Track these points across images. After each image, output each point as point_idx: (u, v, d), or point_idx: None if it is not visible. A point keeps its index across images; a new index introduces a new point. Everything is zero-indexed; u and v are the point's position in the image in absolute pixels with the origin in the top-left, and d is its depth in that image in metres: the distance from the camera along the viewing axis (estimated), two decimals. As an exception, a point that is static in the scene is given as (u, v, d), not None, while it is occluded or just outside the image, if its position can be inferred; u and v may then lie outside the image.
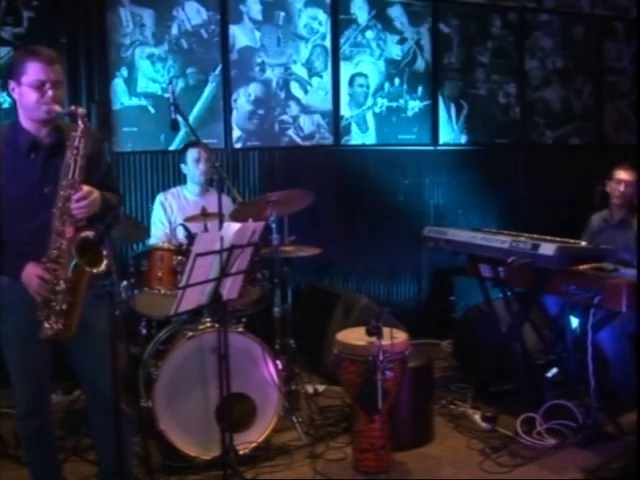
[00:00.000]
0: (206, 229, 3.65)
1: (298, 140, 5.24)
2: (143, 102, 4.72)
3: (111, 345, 2.39)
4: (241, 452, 3.33)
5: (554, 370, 3.97)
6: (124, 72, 4.65)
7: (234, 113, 5.01)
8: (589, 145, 6.44)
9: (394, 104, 5.57)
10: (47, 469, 2.76)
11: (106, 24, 4.57)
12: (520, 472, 3.31)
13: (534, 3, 6.08)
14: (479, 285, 4.17)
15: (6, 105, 4.23)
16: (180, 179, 4.45)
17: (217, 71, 4.92)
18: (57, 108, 2.46)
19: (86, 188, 2.45)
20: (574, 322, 3.90)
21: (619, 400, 3.80)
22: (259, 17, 5.05)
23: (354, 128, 5.44)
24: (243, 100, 5.04)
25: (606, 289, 3.41)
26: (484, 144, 5.96)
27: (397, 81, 5.57)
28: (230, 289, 2.95)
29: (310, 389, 4.24)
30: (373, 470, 3.32)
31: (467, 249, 4.01)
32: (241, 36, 5.00)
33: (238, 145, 5.04)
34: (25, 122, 2.54)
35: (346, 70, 5.37)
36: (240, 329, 3.46)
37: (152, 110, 4.74)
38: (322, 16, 5.25)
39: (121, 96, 4.66)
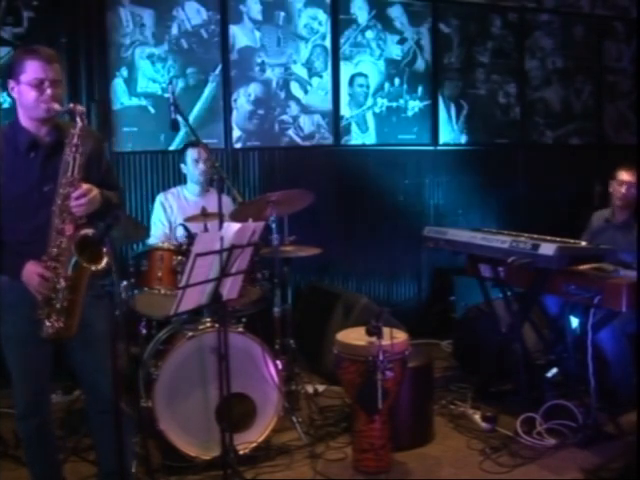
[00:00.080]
0: (206, 229, 3.65)
1: (298, 140, 5.24)
2: (143, 102, 4.72)
3: (111, 345, 2.39)
4: (241, 452, 3.33)
5: (554, 370, 3.97)
6: (124, 72, 4.65)
7: (234, 113, 5.01)
8: (589, 145, 6.44)
9: (394, 104, 5.57)
10: (47, 469, 2.76)
11: (106, 24, 4.57)
12: (520, 472, 3.31)
13: (534, 3, 6.08)
14: (479, 285, 4.17)
15: (6, 105, 4.23)
16: (180, 179, 4.45)
17: (217, 71, 4.92)
18: (56, 106, 2.46)
19: (85, 186, 2.45)
20: (574, 322, 3.89)
21: (619, 400, 3.80)
22: (259, 17, 5.05)
23: (354, 128, 5.44)
24: (243, 100, 5.04)
25: (606, 289, 3.41)
26: (484, 144, 5.96)
27: (397, 81, 5.57)
28: (230, 289, 2.95)
29: (310, 389, 4.24)
30: (373, 470, 3.32)
31: (467, 249, 4.01)
32: (241, 36, 5.00)
33: (238, 145, 5.04)
34: (24, 121, 2.54)
35: (346, 70, 5.37)
36: (240, 329, 3.46)
37: (152, 110, 4.74)
38: (322, 16, 5.25)
39: (121, 96, 4.66)
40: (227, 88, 4.96)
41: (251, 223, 2.92)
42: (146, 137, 4.73)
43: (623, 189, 4.19)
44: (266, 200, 3.79)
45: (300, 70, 5.21)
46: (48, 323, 2.45)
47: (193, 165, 4.08)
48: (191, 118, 4.73)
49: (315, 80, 5.27)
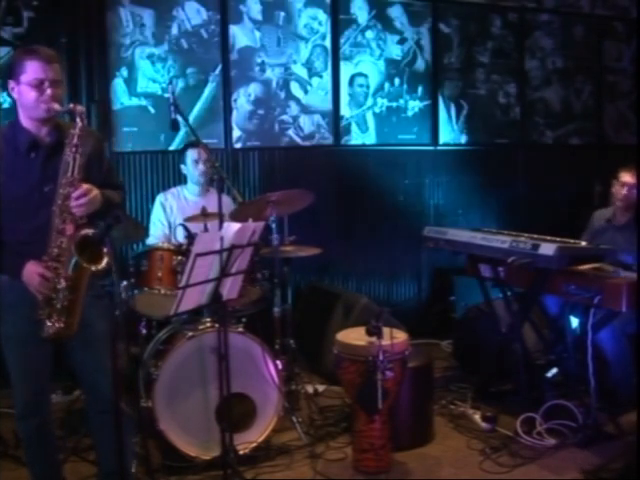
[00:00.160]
0: (206, 229, 3.65)
1: (298, 140, 5.24)
2: (143, 102, 4.72)
3: (111, 345, 2.39)
4: (241, 452, 3.33)
5: (554, 370, 3.97)
6: (124, 72, 4.65)
7: (234, 113, 5.01)
8: (589, 145, 6.44)
9: (394, 104, 5.57)
10: (47, 469, 2.76)
11: (106, 24, 4.57)
12: (520, 472, 3.31)
13: (534, 3, 6.08)
14: (479, 285, 4.17)
15: (6, 105, 4.23)
16: (180, 179, 4.45)
17: (217, 71, 4.92)
18: (56, 106, 2.46)
19: (85, 186, 2.45)
20: (574, 322, 3.89)
21: (619, 400, 3.80)
22: (259, 17, 5.05)
23: (354, 128, 5.44)
24: (243, 100, 5.04)
25: (606, 289, 3.41)
26: (484, 144, 5.96)
27: (397, 81, 5.57)
28: (230, 289, 2.95)
29: (310, 389, 4.24)
30: (373, 470, 3.32)
31: (467, 249, 4.01)
32: (241, 36, 5.00)
33: (238, 145, 5.04)
34: (25, 121, 2.54)
35: (346, 70, 5.37)
36: (240, 329, 3.46)
37: (152, 110, 4.74)
38: (322, 16, 5.25)
39: (121, 96, 4.66)
40: (227, 88, 4.96)
41: (251, 223, 2.92)
42: (146, 137, 4.73)
43: (625, 190, 4.14)
44: (266, 200, 3.79)
45: (300, 70, 5.21)
46: (49, 323, 2.45)
47: (193, 166, 4.08)
48: (191, 118, 4.73)
49: (315, 80, 5.27)
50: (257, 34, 5.05)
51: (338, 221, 5.39)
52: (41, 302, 2.46)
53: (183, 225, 3.65)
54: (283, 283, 4.06)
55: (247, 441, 3.39)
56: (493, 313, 4.17)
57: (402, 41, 5.57)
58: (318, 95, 5.29)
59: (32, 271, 2.45)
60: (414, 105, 5.64)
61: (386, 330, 3.20)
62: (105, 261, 2.37)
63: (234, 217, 3.66)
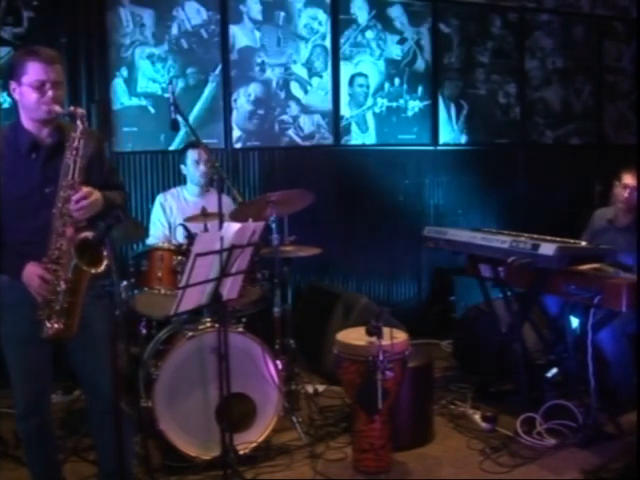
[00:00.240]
0: (206, 229, 3.65)
1: (298, 140, 5.24)
2: (143, 102, 4.72)
3: (111, 345, 2.39)
4: (241, 452, 3.33)
5: (554, 370, 3.97)
6: (124, 72, 4.65)
7: (234, 113, 5.01)
8: (589, 145, 6.44)
9: (394, 104, 5.57)
10: (47, 469, 2.76)
11: (106, 24, 4.57)
12: (520, 472, 3.31)
13: (534, 3, 6.08)
14: (479, 285, 4.17)
15: (6, 105, 4.23)
16: (180, 179, 4.45)
17: (217, 71, 4.92)
18: (57, 108, 2.45)
19: (86, 189, 2.45)
20: (574, 322, 3.89)
21: (619, 400, 3.80)
22: (259, 17, 5.05)
23: (354, 128, 5.44)
24: (243, 100, 5.04)
25: (606, 289, 3.41)
26: (484, 144, 5.97)
27: (397, 81, 5.57)
28: (230, 289, 2.95)
29: (310, 389, 4.24)
30: (373, 470, 3.32)
31: (467, 249, 4.01)
32: (241, 36, 5.00)
33: (238, 145, 5.04)
34: (26, 122, 2.54)
35: (346, 70, 5.37)
36: (240, 329, 3.46)
37: (152, 110, 4.74)
38: (322, 16, 5.25)
39: (121, 96, 4.66)
40: (227, 88, 4.96)
41: (251, 223, 2.92)
42: (146, 137, 4.73)
43: (626, 193, 4.10)
44: (266, 200, 3.79)
45: (300, 70, 5.21)
46: (48, 324, 2.45)
47: (193, 166, 4.08)
48: (191, 118, 4.73)
49: (315, 80, 5.27)
50: (257, 34, 5.05)
51: (338, 221, 5.39)
52: (40, 303, 2.46)
53: (183, 225, 3.65)
54: (283, 283, 4.06)
55: (247, 441, 3.39)
56: (493, 313, 4.17)
57: (402, 41, 5.57)
58: (318, 95, 5.29)
59: (32, 273, 2.45)
60: (414, 105, 5.64)
61: (386, 330, 3.20)
62: (105, 263, 2.37)
63: (234, 217, 3.66)
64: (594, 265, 3.62)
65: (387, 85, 5.54)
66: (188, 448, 3.30)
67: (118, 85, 4.65)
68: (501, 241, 3.72)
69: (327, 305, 4.72)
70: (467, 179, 5.82)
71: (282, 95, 5.16)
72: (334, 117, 5.34)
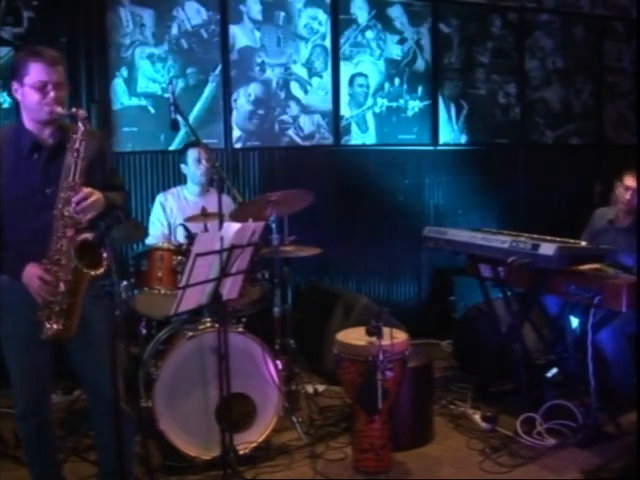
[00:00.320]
0: (206, 229, 3.65)
1: (298, 140, 5.24)
2: (143, 102, 4.72)
3: (111, 345, 2.39)
4: (241, 452, 3.33)
5: (554, 370, 3.96)
6: (124, 72, 4.65)
7: (234, 113, 5.01)
8: (589, 145, 6.44)
9: (394, 104, 5.57)
10: (47, 469, 2.76)
11: (106, 24, 4.57)
12: (520, 472, 3.31)
13: (534, 3, 6.08)
14: (479, 285, 4.17)
15: (6, 105, 4.23)
16: (180, 179, 4.45)
17: (217, 71, 4.92)
18: (59, 109, 2.45)
19: (86, 190, 2.45)
20: (574, 322, 3.89)
21: (619, 400, 3.80)
22: (259, 17, 5.05)
23: (354, 128, 5.44)
24: (243, 100, 5.04)
25: (606, 289, 3.41)
26: (484, 144, 5.97)
27: (397, 81, 5.57)
28: (230, 289, 2.95)
29: (310, 389, 4.24)
30: (373, 470, 3.32)
31: (467, 249, 4.01)
32: (241, 36, 5.00)
33: (238, 145, 5.04)
34: (28, 123, 2.54)
35: (346, 70, 5.37)
36: (240, 329, 3.46)
37: (152, 110, 4.74)
38: (322, 16, 5.25)
39: (121, 96, 4.66)
40: (227, 88, 4.96)
41: (251, 223, 2.92)
42: (146, 137, 4.73)
43: (628, 195, 4.09)
44: (266, 200, 3.79)
45: (300, 70, 5.21)
46: (48, 325, 2.45)
47: (195, 165, 4.07)
48: (191, 118, 4.73)
49: (315, 80, 5.27)
50: (257, 34, 5.05)
51: (338, 221, 5.39)
52: (40, 304, 2.46)
53: (183, 225, 3.65)
54: (283, 283, 4.05)
55: (247, 441, 3.39)
56: (493, 313, 4.17)
57: (402, 41, 5.57)
58: (318, 95, 5.29)
59: (32, 273, 2.45)
60: (414, 105, 5.64)
61: (386, 330, 3.20)
62: (104, 266, 2.36)
63: (234, 217, 3.66)
64: (594, 265, 3.62)
65: (387, 85, 5.54)
66: (188, 448, 3.30)
67: (118, 85, 4.65)
68: (501, 241, 3.72)
69: (327, 305, 4.72)
70: (467, 179, 5.82)
71: (282, 95, 5.16)
72: (334, 117, 5.34)
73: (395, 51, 5.55)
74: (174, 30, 4.79)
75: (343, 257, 5.38)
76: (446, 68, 5.75)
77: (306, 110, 5.25)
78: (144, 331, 3.72)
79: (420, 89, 5.65)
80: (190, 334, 3.34)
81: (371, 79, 5.47)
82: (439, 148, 5.76)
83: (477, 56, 5.88)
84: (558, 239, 3.70)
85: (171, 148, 4.78)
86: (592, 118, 6.44)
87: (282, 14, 5.12)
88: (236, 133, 5.02)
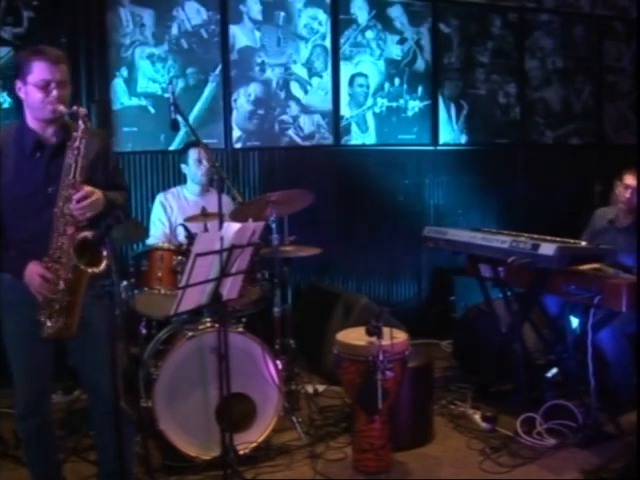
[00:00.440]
0: (206, 229, 3.65)
1: (298, 140, 5.24)
2: (143, 102, 4.72)
3: (111, 345, 2.39)
4: (241, 452, 3.33)
5: (554, 370, 3.96)
6: (124, 72, 4.65)
7: (234, 113, 5.01)
8: (589, 145, 6.44)
9: (394, 104, 5.57)
10: (47, 469, 2.76)
11: (106, 24, 4.57)
12: (520, 472, 3.31)
13: (534, 3, 6.08)
14: (479, 285, 4.17)
15: (6, 105, 4.23)
16: (180, 179, 4.45)
17: (217, 71, 4.92)
18: (61, 108, 2.45)
19: (87, 188, 2.45)
20: (574, 322, 3.89)
21: (619, 400, 3.80)
22: (259, 17, 5.05)
23: (354, 128, 5.44)
24: (243, 100, 5.04)
25: (606, 289, 3.41)
26: (484, 144, 5.97)
27: (397, 81, 5.57)
28: (230, 289, 2.95)
29: (310, 389, 4.24)
30: (373, 470, 3.32)
31: (467, 249, 4.01)
32: (241, 36, 5.00)
33: (238, 145, 5.04)
34: (31, 122, 2.55)
35: (346, 70, 5.37)
36: (240, 329, 3.46)
37: (152, 110, 4.74)
38: (322, 16, 5.25)
39: (121, 96, 4.66)
40: (227, 88, 4.96)
41: (251, 223, 2.92)
42: (146, 137, 4.73)
43: (628, 193, 4.09)
44: (266, 200, 3.79)
45: (300, 70, 5.21)
46: (49, 323, 2.46)
47: (196, 165, 4.07)
48: (191, 118, 4.73)
49: (315, 80, 5.27)
50: (257, 34, 5.05)
51: (338, 221, 5.39)
52: (41, 303, 2.47)
53: (183, 225, 3.65)
54: (283, 283, 4.06)
55: (247, 441, 3.39)
56: (493, 313, 4.17)
57: (402, 41, 5.57)
58: (318, 95, 5.29)
59: (33, 272, 2.46)
60: (414, 105, 5.64)
61: (386, 330, 3.20)
62: (104, 264, 2.37)
63: (234, 217, 3.66)
64: (594, 265, 3.62)
65: (387, 85, 5.54)
66: (188, 448, 3.30)
67: (118, 85, 4.65)
68: (501, 241, 3.72)
69: (327, 305, 4.72)
70: (467, 179, 5.82)
71: (282, 95, 5.16)
72: (334, 117, 5.34)
73: (395, 51, 5.55)
74: (174, 30, 4.79)
75: (343, 257, 5.38)
76: (446, 68, 5.75)
77: (306, 110, 5.25)
78: (144, 331, 3.72)
79: (420, 89, 5.65)
80: (190, 334, 3.34)
81: (371, 79, 5.47)
82: (439, 148, 5.76)
83: (477, 56, 5.88)
84: (558, 239, 3.70)
85: (171, 148, 4.79)
86: (592, 118, 6.44)
87: (282, 14, 5.12)
88: (236, 133, 5.02)
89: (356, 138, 5.45)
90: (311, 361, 4.67)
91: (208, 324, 3.43)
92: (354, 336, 3.35)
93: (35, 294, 2.47)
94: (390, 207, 5.56)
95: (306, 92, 5.24)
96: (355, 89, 5.43)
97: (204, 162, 4.03)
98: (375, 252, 5.52)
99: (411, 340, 3.44)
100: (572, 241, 3.79)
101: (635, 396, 3.68)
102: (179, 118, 3.34)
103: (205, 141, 4.08)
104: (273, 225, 3.79)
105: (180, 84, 4.81)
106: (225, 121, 4.97)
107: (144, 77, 4.72)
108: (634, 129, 6.41)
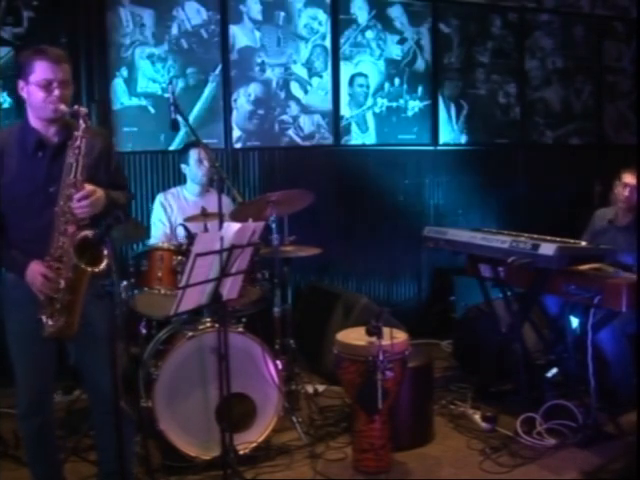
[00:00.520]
0: (206, 229, 3.65)
1: (298, 140, 5.24)
2: (143, 102, 4.72)
3: (111, 345, 2.39)
4: (241, 452, 3.33)
5: (554, 370, 3.96)
6: (124, 72, 4.65)
7: (234, 113, 5.01)
8: (589, 145, 6.44)
9: (394, 104, 5.57)
10: (48, 469, 2.76)
11: (106, 24, 4.57)
12: (520, 472, 3.31)
13: (534, 3, 6.08)
14: (479, 285, 4.17)
15: (6, 105, 4.23)
16: (180, 179, 4.45)
17: (217, 71, 4.92)
18: (63, 107, 2.46)
19: (89, 187, 2.45)
20: (574, 322, 3.89)
21: (619, 400, 3.80)
22: (259, 17, 5.05)
23: (354, 128, 5.44)
24: (243, 100, 5.04)
25: (606, 289, 3.41)
26: (484, 144, 5.97)
27: (397, 81, 5.57)
28: (230, 289, 2.95)
29: (310, 389, 4.24)
30: (373, 470, 3.32)
31: (467, 249, 4.01)
32: (241, 36, 5.00)
33: (238, 145, 5.04)
34: (33, 121, 2.55)
35: (346, 70, 5.37)
36: (240, 329, 3.46)
37: (152, 110, 4.74)
38: (322, 16, 5.25)
39: (121, 96, 4.66)
40: (227, 88, 4.96)
41: (251, 223, 2.92)
42: (146, 137, 4.73)
43: (627, 192, 4.10)
44: (266, 200, 3.79)
45: (300, 70, 5.21)
46: (50, 322, 2.46)
47: (197, 165, 4.07)
48: (191, 118, 4.73)
49: (315, 80, 5.27)
50: (257, 34, 5.05)
51: (338, 221, 5.39)
52: (43, 302, 2.47)
53: (183, 225, 3.65)
54: (283, 283, 4.05)
55: (247, 441, 3.39)
56: (493, 313, 4.17)
57: (402, 41, 5.57)
58: (318, 95, 5.29)
59: (35, 271, 2.46)
60: (414, 105, 5.64)
61: (386, 330, 3.20)
62: (105, 263, 2.37)
63: (234, 217, 3.66)
64: (594, 265, 3.62)
65: (387, 85, 5.54)
66: (188, 448, 3.30)
67: (118, 85, 4.65)
68: (501, 241, 3.72)
69: (327, 305, 4.72)
70: (467, 179, 5.82)
71: (282, 95, 5.16)
72: (334, 117, 5.34)
73: (395, 51, 5.55)
74: (174, 30, 4.79)
75: (343, 257, 5.38)
76: (446, 68, 5.75)
77: (306, 110, 5.25)
78: (144, 331, 3.72)
79: (420, 89, 5.65)
80: (190, 334, 3.34)
81: (371, 79, 5.47)
82: (439, 148, 5.76)
83: (477, 56, 5.88)
84: (558, 239, 3.70)
85: (171, 148, 4.79)
86: (592, 118, 6.44)
87: (282, 14, 5.12)
88: (236, 133, 5.02)
89: (356, 138, 5.45)
90: (311, 361, 4.67)
91: (208, 324, 3.43)
92: (354, 336, 3.35)
93: (36, 293, 2.47)
94: (390, 207, 5.56)
95: (306, 92, 5.24)
96: (355, 89, 5.43)
97: (205, 162, 4.04)
98: (375, 252, 5.52)
99: (411, 340, 3.44)
100: (572, 241, 3.79)
101: (635, 396, 3.68)
102: (179, 118, 3.34)
103: (205, 141, 4.08)
104: (273, 225, 3.79)
105: (180, 84, 4.81)
106: (225, 121, 4.97)
107: (144, 77, 4.72)
108: (634, 129, 6.41)
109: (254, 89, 5.07)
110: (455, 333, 4.86)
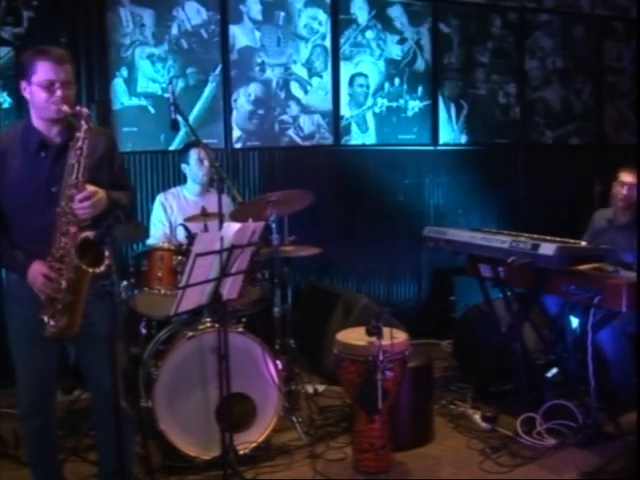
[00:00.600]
0: (206, 229, 3.65)
1: (298, 140, 5.24)
2: (143, 102, 4.72)
3: (111, 345, 2.39)
4: (241, 452, 3.33)
5: (554, 370, 3.97)
6: (124, 72, 4.65)
7: (234, 113, 5.01)
8: (589, 145, 6.44)
9: (394, 104, 5.57)
10: (49, 469, 2.76)
11: (106, 24, 4.57)
12: (520, 472, 3.31)
13: (534, 3, 6.08)
14: (479, 285, 4.17)
15: (6, 105, 4.23)
16: (180, 179, 4.45)
17: (217, 71, 4.93)
18: (65, 108, 2.45)
19: (90, 188, 2.45)
20: (574, 322, 3.89)
21: (619, 400, 3.80)
22: (259, 17, 5.05)
23: (354, 128, 5.44)
24: (243, 100, 5.04)
25: (606, 289, 3.41)
26: (484, 144, 5.97)
27: (397, 81, 5.57)
28: (230, 289, 2.95)
29: (310, 389, 4.24)
30: (373, 470, 3.32)
31: (467, 249, 4.01)
32: (241, 36, 5.00)
33: (238, 145, 5.04)
34: (36, 121, 2.55)
35: (346, 70, 5.38)
36: (240, 329, 3.46)
37: (152, 110, 4.74)
38: (322, 16, 5.25)
39: (121, 96, 4.66)
40: (227, 88, 4.96)
41: (251, 223, 2.92)
42: (146, 137, 4.73)
43: (625, 190, 4.12)
44: (266, 200, 3.79)
45: (300, 70, 5.21)
46: (52, 322, 2.46)
47: (197, 165, 4.07)
48: (191, 118, 4.73)
49: (315, 80, 5.27)
50: (257, 34, 5.05)
51: (338, 221, 5.39)
52: (44, 302, 2.47)
53: (183, 225, 3.65)
54: (283, 283, 4.05)
55: (247, 441, 3.39)
56: (493, 313, 4.17)
57: (402, 41, 5.57)
58: (318, 95, 5.29)
59: (36, 271, 2.46)
60: (414, 105, 5.64)
61: (386, 330, 3.20)
62: (105, 264, 2.37)
63: (234, 217, 3.66)
64: (594, 265, 3.62)
65: (387, 85, 5.54)
66: (188, 448, 3.30)
67: (118, 85, 4.65)
68: (501, 241, 3.72)
69: (327, 305, 4.72)
70: (467, 179, 5.82)
71: (282, 95, 5.16)
72: (334, 117, 5.34)
73: (395, 51, 5.55)
74: (174, 30, 4.79)
75: (343, 257, 5.38)
76: (446, 68, 5.75)
77: (306, 110, 5.25)
78: (144, 331, 3.72)
79: (420, 89, 5.65)
80: (190, 334, 3.34)
81: (371, 79, 5.47)
82: (439, 148, 5.76)
83: (477, 56, 5.88)
84: (558, 239, 3.70)
85: (171, 148, 4.79)
86: (592, 118, 6.44)
87: (282, 14, 5.12)
88: (236, 133, 5.02)
89: (356, 138, 5.45)
90: (311, 361, 4.67)
91: (208, 324, 3.43)
92: (354, 336, 3.35)
93: (38, 293, 2.47)
94: (390, 207, 5.56)
95: (306, 92, 5.24)
96: (355, 89, 5.43)
97: (205, 162, 4.04)
98: (375, 252, 5.52)
99: (411, 340, 3.44)
100: (572, 241, 3.79)
101: (635, 396, 3.68)
102: (179, 118, 3.34)
103: (205, 141, 4.09)
104: (273, 225, 3.79)
105: (180, 84, 4.81)
106: (225, 121, 4.97)
107: (144, 77, 4.72)
108: (634, 129, 6.41)
109: (254, 89, 5.07)
110: (455, 333, 4.86)
